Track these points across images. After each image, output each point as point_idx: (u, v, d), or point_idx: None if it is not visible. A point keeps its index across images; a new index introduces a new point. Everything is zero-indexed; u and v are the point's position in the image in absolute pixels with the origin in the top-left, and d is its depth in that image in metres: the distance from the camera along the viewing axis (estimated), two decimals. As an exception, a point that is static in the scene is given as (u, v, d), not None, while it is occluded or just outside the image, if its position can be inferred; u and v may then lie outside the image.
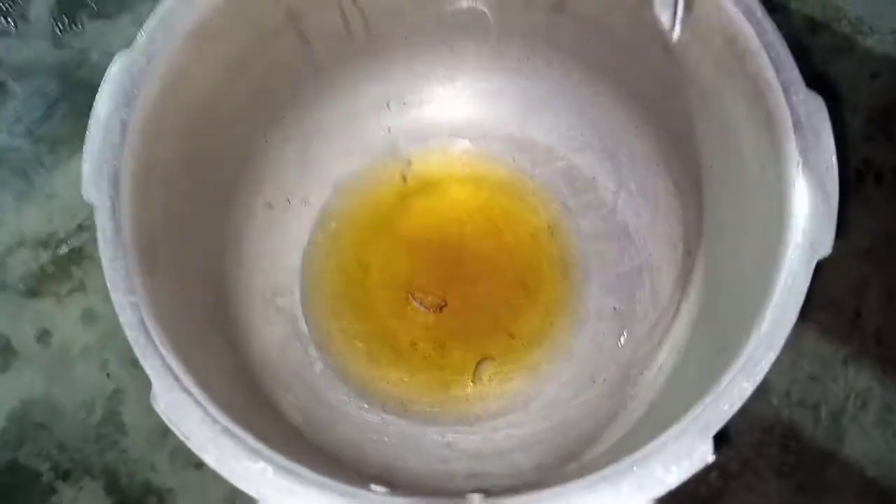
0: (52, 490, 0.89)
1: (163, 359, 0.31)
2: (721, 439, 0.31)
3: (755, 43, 0.35)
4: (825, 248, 0.33)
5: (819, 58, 1.04)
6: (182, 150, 0.39)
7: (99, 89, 0.35)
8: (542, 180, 0.54)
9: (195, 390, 0.32)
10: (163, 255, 0.37)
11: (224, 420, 0.32)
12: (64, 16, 1.10)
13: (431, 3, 0.46)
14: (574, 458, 0.45)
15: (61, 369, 0.94)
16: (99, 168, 0.33)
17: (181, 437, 0.32)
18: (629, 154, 0.51)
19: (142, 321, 0.32)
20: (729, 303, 0.40)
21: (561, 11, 0.46)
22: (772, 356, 0.32)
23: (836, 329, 0.93)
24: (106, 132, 0.34)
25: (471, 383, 0.51)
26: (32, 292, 0.97)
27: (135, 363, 0.91)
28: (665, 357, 0.46)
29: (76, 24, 1.11)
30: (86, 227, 1.01)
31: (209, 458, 0.31)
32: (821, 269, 0.95)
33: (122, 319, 0.32)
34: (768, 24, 0.35)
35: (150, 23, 0.36)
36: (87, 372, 0.93)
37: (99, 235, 0.33)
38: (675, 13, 0.39)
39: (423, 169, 0.55)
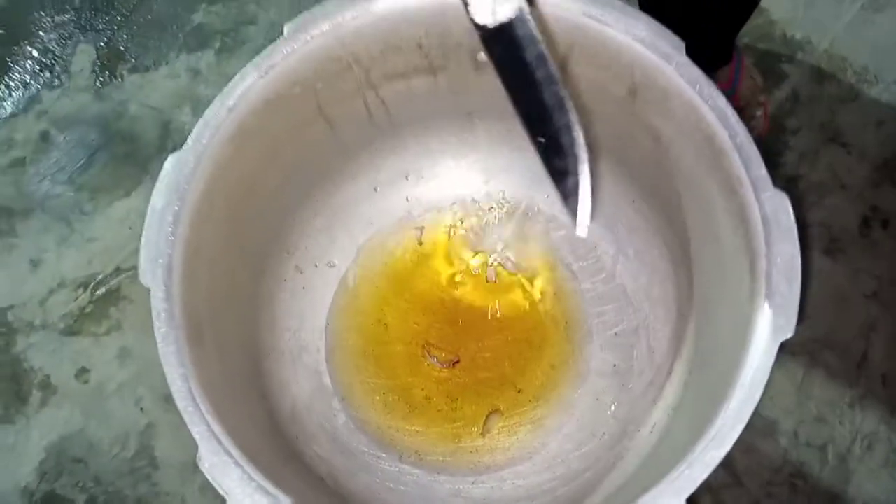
0: (87, 521, 0.95)
1: (208, 425, 0.36)
2: (691, 501, 0.35)
3: (728, 144, 0.40)
4: (788, 331, 0.37)
5: (826, 107, 1.08)
6: (224, 230, 0.45)
7: (155, 186, 0.41)
8: (546, 246, 0.59)
9: (235, 452, 0.37)
10: (206, 328, 0.42)
11: (259, 478, 0.36)
12: (105, 69, 1.18)
13: (447, 93, 0.51)
14: (573, 507, 0.49)
15: (98, 405, 1.00)
16: (155, 257, 0.39)
17: (222, 493, 0.37)
18: (627, 225, 0.56)
19: (190, 392, 0.37)
20: (712, 369, 0.44)
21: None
22: (739, 428, 0.36)
23: (844, 371, 0.96)
24: (161, 223, 0.40)
25: (480, 436, 0.55)
26: (72, 331, 1.04)
27: (167, 399, 0.98)
28: (659, 415, 0.50)
29: (116, 77, 1.18)
30: (123, 269, 1.07)
31: (246, 512, 0.36)
32: (829, 311, 0.98)
33: (172, 389, 0.37)
34: (740, 128, 0.40)
35: (197, 126, 0.42)
36: (122, 407, 0.99)
37: (154, 316, 0.39)
38: None
39: (437, 235, 0.60)
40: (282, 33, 0.42)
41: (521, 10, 0.25)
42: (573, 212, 0.26)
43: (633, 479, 0.47)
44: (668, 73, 0.41)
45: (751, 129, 1.02)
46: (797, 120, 1.08)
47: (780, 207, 0.38)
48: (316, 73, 0.44)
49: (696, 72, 0.40)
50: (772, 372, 0.98)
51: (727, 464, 0.95)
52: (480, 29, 0.26)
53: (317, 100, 0.47)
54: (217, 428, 0.37)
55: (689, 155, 0.44)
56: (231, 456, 0.37)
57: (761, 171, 0.39)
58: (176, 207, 0.40)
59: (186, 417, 0.37)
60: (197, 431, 0.36)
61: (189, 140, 0.41)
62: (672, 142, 0.45)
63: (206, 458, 0.36)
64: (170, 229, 0.40)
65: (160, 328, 0.38)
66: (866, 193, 1.05)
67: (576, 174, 0.25)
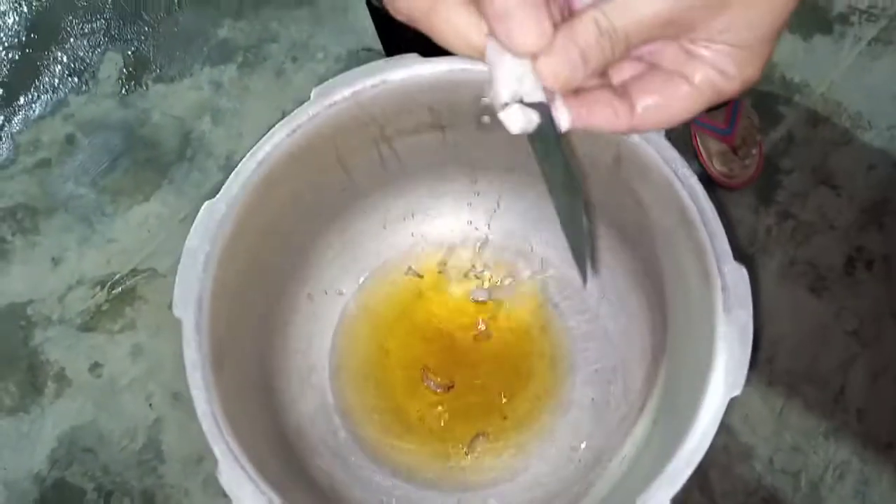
0: (95, 509, 1.00)
1: (227, 444, 0.42)
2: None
3: (697, 218, 0.45)
4: (738, 387, 0.42)
5: (819, 149, 1.13)
6: (247, 267, 0.50)
7: (191, 229, 0.46)
8: (537, 285, 0.64)
9: (249, 468, 0.42)
10: (227, 353, 0.47)
11: (270, 492, 0.42)
12: (131, 78, 1.23)
13: (454, 146, 0.56)
14: (547, 528, 0.54)
15: (109, 399, 1.05)
16: (187, 292, 0.44)
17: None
18: (610, 271, 0.61)
19: (213, 414, 0.42)
20: (675, 413, 0.50)
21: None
22: (689, 471, 0.41)
23: (821, 404, 1.01)
24: (194, 262, 0.45)
25: (466, 455, 0.60)
26: (88, 327, 1.09)
27: (176, 396, 1.04)
28: (629, 448, 0.56)
29: (141, 86, 1.24)
30: (140, 270, 1.13)
31: (258, 522, 0.41)
32: (811, 345, 1.04)
33: (198, 410, 0.43)
34: (707, 205, 0.45)
35: (230, 178, 0.47)
36: (132, 402, 1.05)
37: (184, 345, 0.44)
38: None
39: (439, 268, 0.66)
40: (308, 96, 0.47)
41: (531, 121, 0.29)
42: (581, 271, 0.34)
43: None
44: (648, 150, 0.46)
45: (745, 168, 1.07)
46: (791, 161, 1.12)
47: (739, 278, 0.44)
48: (337, 130, 0.49)
49: (672, 153, 0.45)
50: (751, 400, 1.03)
51: (704, 486, 1.00)
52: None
53: (336, 152, 0.52)
54: (235, 446, 0.42)
55: (666, 220, 0.49)
56: (246, 471, 0.42)
57: (724, 245, 0.44)
58: (207, 248, 0.46)
59: (210, 437, 0.42)
60: (218, 449, 0.42)
61: (222, 189, 0.47)
62: (651, 207, 0.50)
63: (225, 472, 0.42)
64: (201, 268, 0.45)
65: (190, 356, 0.43)
66: (853, 234, 1.09)
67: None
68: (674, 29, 0.27)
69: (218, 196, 0.47)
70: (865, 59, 1.19)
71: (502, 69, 0.28)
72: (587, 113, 0.29)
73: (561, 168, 0.30)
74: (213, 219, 0.46)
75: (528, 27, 0.25)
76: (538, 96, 0.28)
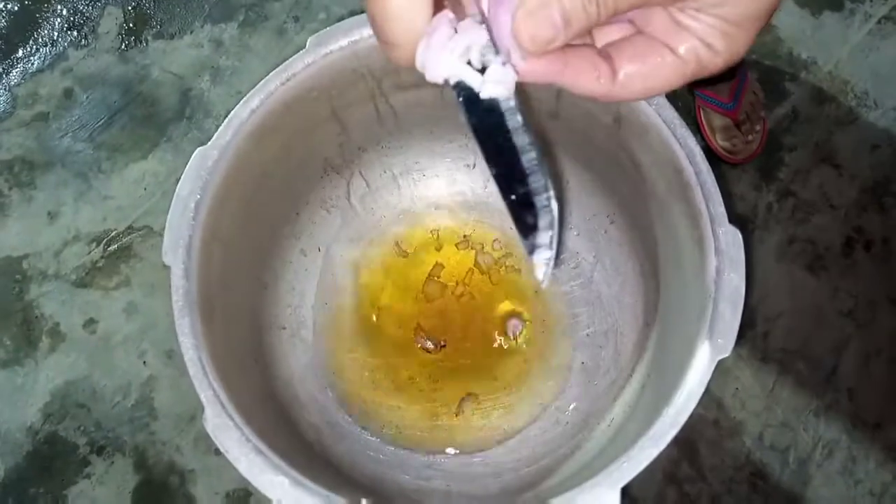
0: (87, 462, 1.01)
1: (214, 391, 0.42)
2: (625, 492, 0.41)
3: (693, 179, 0.45)
4: (726, 350, 0.42)
5: (824, 127, 1.12)
6: (239, 216, 0.50)
7: (183, 175, 0.46)
8: (532, 248, 0.64)
9: (235, 416, 0.42)
10: (217, 304, 0.47)
11: (255, 440, 0.42)
12: (131, 33, 1.22)
13: (452, 104, 0.55)
14: (532, 487, 0.54)
15: (103, 355, 1.05)
16: (177, 239, 0.44)
17: (222, 450, 0.42)
18: (606, 236, 0.61)
19: (200, 360, 0.42)
20: (664, 377, 0.50)
21: (556, 118, 0.56)
22: (674, 432, 0.41)
23: (813, 382, 1.02)
24: (184, 209, 0.45)
25: (455, 416, 0.61)
26: (83, 283, 1.09)
27: (169, 354, 1.04)
28: (617, 411, 0.56)
29: (141, 42, 1.22)
30: (135, 228, 1.12)
31: (241, 468, 0.41)
32: (806, 324, 1.03)
33: (185, 357, 0.43)
34: (704, 167, 0.44)
35: (223, 125, 0.46)
36: (125, 359, 1.05)
37: (172, 291, 0.44)
38: None
39: (435, 229, 0.65)
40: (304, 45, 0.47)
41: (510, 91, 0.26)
42: (539, 263, 0.29)
43: (587, 466, 0.53)
44: (648, 111, 0.46)
45: (748, 144, 1.06)
46: (794, 138, 1.11)
47: (733, 242, 0.43)
48: (333, 81, 0.49)
49: (671, 113, 0.45)
50: (744, 376, 1.03)
51: (694, 459, 1.01)
52: (459, 90, 0.27)
53: (331, 104, 0.51)
54: (222, 394, 0.42)
55: (662, 183, 0.49)
56: (232, 419, 0.42)
57: (720, 208, 0.44)
58: (198, 196, 0.45)
59: (196, 382, 0.42)
60: (204, 395, 0.42)
61: (215, 135, 0.46)
62: (649, 170, 0.50)
63: (210, 419, 0.42)
64: (191, 215, 0.45)
65: (177, 301, 0.43)
66: (853, 215, 1.09)
67: (546, 231, 0.28)
68: None
69: (210, 142, 0.46)
70: (875, 38, 1.17)
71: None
72: (566, 69, 0.27)
73: (518, 136, 0.28)
74: (204, 165, 0.46)
75: None
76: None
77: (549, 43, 0.26)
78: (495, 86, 0.26)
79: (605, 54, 0.29)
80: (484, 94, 0.26)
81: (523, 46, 0.26)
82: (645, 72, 0.28)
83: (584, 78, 0.28)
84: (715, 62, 0.28)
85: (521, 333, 0.63)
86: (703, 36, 0.27)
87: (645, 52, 0.28)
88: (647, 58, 0.28)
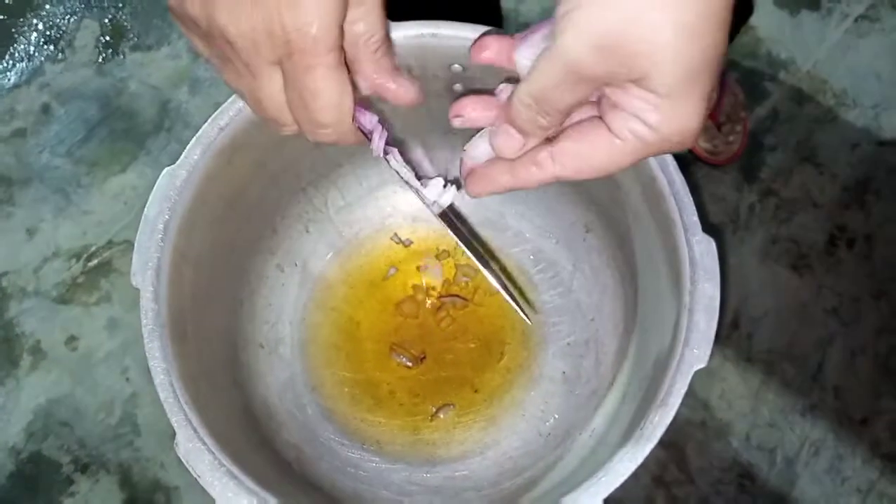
0: (71, 481, 1.00)
1: (185, 415, 0.41)
2: (611, 499, 0.41)
3: (666, 190, 0.44)
4: (703, 360, 0.42)
5: (804, 126, 1.12)
6: (211, 234, 0.49)
7: (150, 196, 0.45)
8: (512, 258, 0.64)
9: (208, 440, 0.42)
10: (189, 324, 0.46)
11: (228, 464, 0.41)
12: (108, 46, 1.21)
13: (428, 113, 0.55)
14: (514, 500, 0.54)
15: (85, 372, 1.04)
16: (145, 261, 0.43)
17: (194, 475, 0.42)
18: (584, 245, 0.60)
19: (171, 384, 0.42)
20: (643, 386, 0.49)
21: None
22: (650, 446, 0.41)
23: (799, 381, 1.02)
24: (152, 230, 0.44)
25: (433, 425, 0.60)
26: (63, 300, 1.08)
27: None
28: (599, 421, 0.55)
29: (118, 55, 1.21)
30: (116, 242, 1.11)
31: (214, 493, 0.41)
32: (790, 323, 1.04)
33: (156, 381, 0.42)
34: (677, 177, 0.44)
35: (191, 144, 0.46)
36: (108, 376, 1.04)
37: (142, 315, 0.43)
38: None
39: (412, 241, 0.65)
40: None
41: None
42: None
43: (570, 477, 0.52)
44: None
45: (729, 145, 1.06)
46: (775, 137, 1.12)
47: (707, 252, 0.43)
48: (302, 96, 0.48)
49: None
50: (730, 377, 1.03)
51: (681, 462, 1.01)
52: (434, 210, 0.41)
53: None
54: (194, 417, 0.42)
55: (637, 193, 0.49)
56: (204, 443, 0.41)
57: (693, 217, 0.44)
58: (166, 216, 0.45)
59: (167, 407, 0.41)
60: (175, 420, 0.41)
61: (183, 155, 0.46)
62: (623, 179, 0.50)
63: (182, 444, 0.41)
64: (160, 236, 0.44)
65: (146, 325, 0.42)
66: (835, 213, 1.09)
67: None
68: (590, 85, 0.27)
69: (178, 162, 0.45)
70: (852, 37, 1.18)
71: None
72: (514, 181, 0.33)
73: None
74: (173, 185, 0.45)
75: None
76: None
77: (519, 150, 0.31)
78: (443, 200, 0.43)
79: (553, 136, 0.31)
80: (435, 210, 0.37)
81: (503, 156, 0.32)
82: (582, 151, 0.30)
83: (523, 175, 0.32)
84: (654, 137, 0.28)
85: (502, 346, 0.62)
86: (635, 112, 0.27)
87: (585, 130, 0.30)
88: (584, 137, 0.30)
